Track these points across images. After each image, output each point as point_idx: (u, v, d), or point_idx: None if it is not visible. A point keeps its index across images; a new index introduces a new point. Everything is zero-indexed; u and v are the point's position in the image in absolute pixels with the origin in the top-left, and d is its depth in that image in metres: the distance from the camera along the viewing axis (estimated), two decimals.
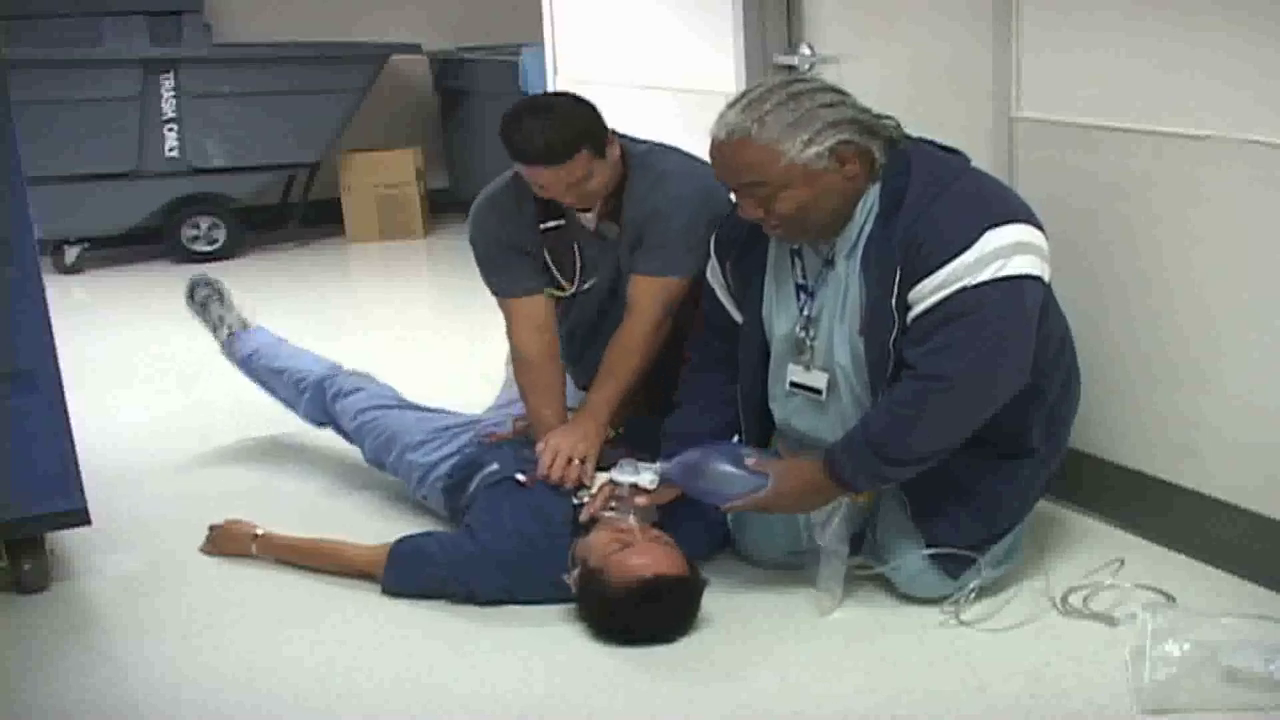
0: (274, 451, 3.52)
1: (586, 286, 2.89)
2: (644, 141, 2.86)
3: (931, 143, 2.42)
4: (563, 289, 2.89)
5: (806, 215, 2.34)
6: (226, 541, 2.86)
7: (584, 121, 2.68)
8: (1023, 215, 2.33)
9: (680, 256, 2.73)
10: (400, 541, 2.65)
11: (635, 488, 2.52)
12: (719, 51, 3.61)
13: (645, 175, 2.77)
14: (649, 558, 2.38)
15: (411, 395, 3.31)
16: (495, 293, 2.93)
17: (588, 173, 2.67)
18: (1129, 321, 2.70)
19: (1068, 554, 2.65)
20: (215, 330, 3.58)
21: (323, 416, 3.30)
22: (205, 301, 3.61)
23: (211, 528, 2.90)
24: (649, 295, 2.76)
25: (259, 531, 2.82)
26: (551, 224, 2.84)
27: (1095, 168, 2.70)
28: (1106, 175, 2.68)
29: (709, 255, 2.63)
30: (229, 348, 3.54)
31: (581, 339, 3.00)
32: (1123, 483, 2.77)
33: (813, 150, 2.29)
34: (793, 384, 2.51)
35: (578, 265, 2.86)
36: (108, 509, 2.90)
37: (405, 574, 2.60)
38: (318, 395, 3.28)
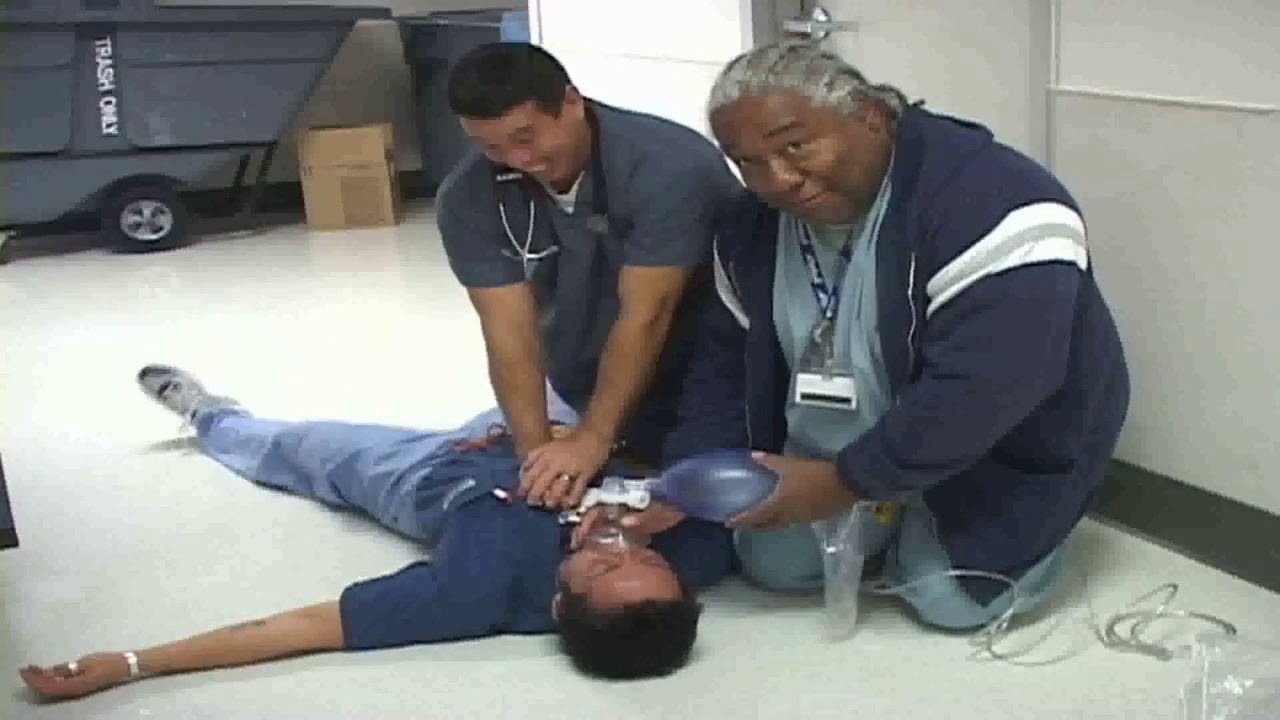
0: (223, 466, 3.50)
1: (542, 253, 2.84)
2: (626, 111, 2.82)
3: (948, 118, 2.41)
4: (517, 254, 2.84)
5: (846, 170, 2.30)
6: (89, 680, 2.39)
7: (535, 73, 2.63)
8: (1053, 194, 2.31)
9: (671, 244, 2.71)
10: (349, 594, 2.53)
11: (624, 507, 2.51)
12: (723, 18, 3.62)
13: (625, 156, 2.73)
14: (637, 581, 2.37)
15: (382, 401, 3.31)
16: (466, 283, 2.91)
17: (529, 128, 2.60)
18: (1182, 318, 2.69)
19: (1114, 579, 2.65)
20: (182, 414, 3.62)
21: (276, 471, 3.31)
22: (162, 390, 3.67)
23: (32, 674, 2.40)
24: (641, 288, 2.75)
25: (131, 658, 2.42)
26: (510, 176, 2.77)
27: (1143, 146, 2.69)
28: (1156, 155, 2.67)
29: (709, 237, 2.63)
30: (201, 430, 3.58)
31: (571, 337, 2.98)
32: (1176, 499, 2.76)
33: (835, 95, 2.29)
34: (804, 395, 2.49)
35: (530, 227, 2.81)
36: (38, 529, 2.90)
37: (374, 623, 2.51)
38: (273, 453, 3.30)
